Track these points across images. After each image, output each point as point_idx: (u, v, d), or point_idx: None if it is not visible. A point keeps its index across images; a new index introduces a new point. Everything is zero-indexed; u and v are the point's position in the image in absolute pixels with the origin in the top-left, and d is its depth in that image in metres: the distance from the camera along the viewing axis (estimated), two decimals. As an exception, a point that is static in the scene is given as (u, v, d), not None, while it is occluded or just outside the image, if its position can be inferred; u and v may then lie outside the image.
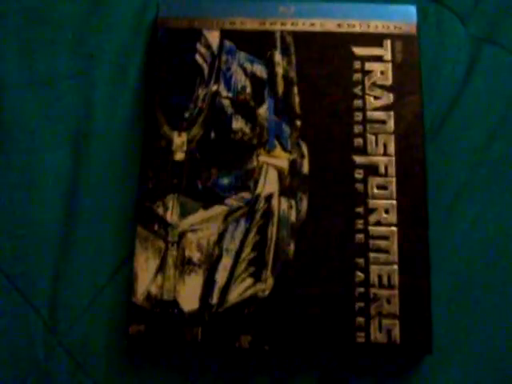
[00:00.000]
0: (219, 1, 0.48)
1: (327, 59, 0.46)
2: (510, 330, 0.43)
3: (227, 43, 0.46)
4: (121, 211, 0.46)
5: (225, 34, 0.47)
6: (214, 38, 0.47)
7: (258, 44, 0.46)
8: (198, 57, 0.46)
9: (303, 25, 0.47)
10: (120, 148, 0.47)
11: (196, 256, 0.42)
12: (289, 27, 0.47)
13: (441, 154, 0.47)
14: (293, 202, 0.43)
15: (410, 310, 0.42)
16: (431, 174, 0.45)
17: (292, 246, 0.43)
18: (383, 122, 0.45)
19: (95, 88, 0.48)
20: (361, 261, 0.42)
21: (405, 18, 0.47)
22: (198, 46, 0.46)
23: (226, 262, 0.42)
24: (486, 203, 0.46)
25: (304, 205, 0.43)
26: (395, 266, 0.42)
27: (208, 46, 0.46)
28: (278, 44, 0.46)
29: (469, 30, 0.50)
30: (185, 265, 0.42)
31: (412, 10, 0.47)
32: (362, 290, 0.42)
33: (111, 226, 0.45)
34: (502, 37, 0.49)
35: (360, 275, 0.42)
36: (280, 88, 0.46)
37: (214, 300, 0.42)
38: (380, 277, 0.42)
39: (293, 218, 0.43)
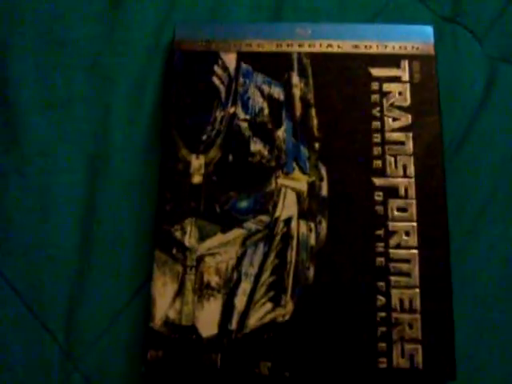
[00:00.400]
0: (236, 23, 0.48)
1: (345, 81, 0.46)
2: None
3: (244, 65, 0.46)
4: (138, 235, 0.45)
5: (242, 56, 0.46)
6: (230, 60, 0.46)
7: (275, 66, 0.46)
8: (215, 79, 0.46)
9: (320, 46, 0.47)
10: (137, 171, 0.47)
11: (214, 280, 0.42)
12: (306, 49, 0.47)
13: (460, 175, 0.46)
14: (312, 225, 0.43)
15: (433, 335, 0.41)
16: (451, 195, 0.44)
17: (312, 270, 0.42)
18: (402, 143, 0.45)
19: (112, 111, 0.48)
20: (382, 284, 0.42)
21: (422, 38, 0.47)
22: (216, 68, 0.46)
23: (245, 287, 0.42)
24: (508, 223, 0.45)
25: (323, 228, 0.43)
26: (417, 290, 0.42)
27: (225, 68, 0.46)
28: (295, 66, 0.46)
29: (485, 50, 0.49)
30: (203, 289, 0.42)
31: (429, 30, 0.47)
32: (383, 314, 0.41)
33: (128, 249, 0.45)
34: None
35: (381, 299, 0.42)
36: (298, 110, 0.45)
37: (233, 325, 0.41)
38: (401, 301, 0.42)
39: (312, 241, 0.43)
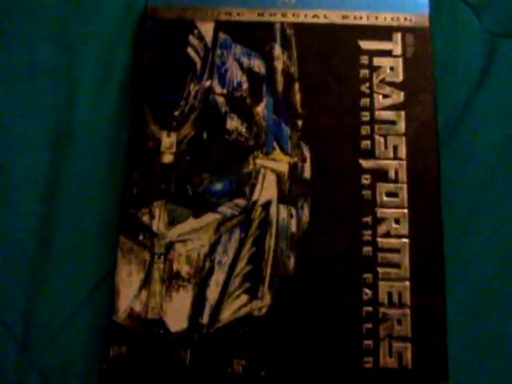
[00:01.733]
0: (213, -11, 0.44)
1: (331, 54, 0.42)
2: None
3: (222, 36, 0.43)
4: (103, 219, 0.42)
5: (220, 26, 0.43)
6: (207, 29, 0.43)
7: (256, 37, 0.43)
8: (189, 50, 0.42)
9: (305, 16, 0.43)
10: (103, 150, 0.43)
11: (185, 270, 0.38)
12: (290, 19, 0.43)
13: (455, 158, 0.43)
14: (293, 211, 0.39)
15: (424, 332, 0.38)
16: (445, 179, 0.41)
17: (292, 260, 0.39)
18: (393, 122, 0.41)
19: (77, 84, 0.44)
20: (368, 276, 0.38)
21: (416, 9, 0.43)
22: (191, 38, 0.42)
23: (219, 277, 0.38)
24: (505, 211, 0.42)
25: (305, 213, 0.39)
26: (407, 283, 0.38)
27: (201, 39, 0.43)
28: (278, 37, 0.43)
29: (484, 25, 0.46)
30: (172, 279, 0.38)
31: (424, 0, 0.44)
32: (369, 309, 0.38)
33: (92, 235, 0.42)
34: None
35: (367, 292, 0.38)
36: (280, 85, 0.42)
37: (205, 319, 0.38)
38: (390, 294, 0.38)
39: (293, 227, 0.39)
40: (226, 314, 0.38)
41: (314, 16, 0.43)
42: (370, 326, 0.38)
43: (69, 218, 0.42)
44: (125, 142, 0.42)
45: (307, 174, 0.40)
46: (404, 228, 0.39)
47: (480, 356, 0.40)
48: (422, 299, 0.38)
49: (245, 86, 0.42)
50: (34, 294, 0.41)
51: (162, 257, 0.39)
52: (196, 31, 0.43)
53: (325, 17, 0.43)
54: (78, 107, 0.44)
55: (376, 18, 0.43)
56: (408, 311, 0.38)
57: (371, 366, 0.37)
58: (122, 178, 0.41)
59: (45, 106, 0.44)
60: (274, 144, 0.41)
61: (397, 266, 0.39)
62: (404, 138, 0.41)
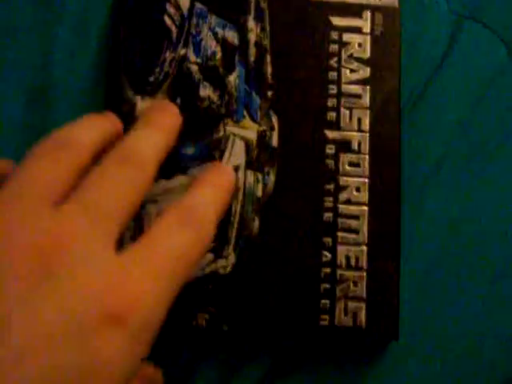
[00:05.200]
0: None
1: (303, 28, 0.44)
2: (479, 314, 0.42)
3: (198, 5, 0.44)
4: None
5: (196, -4, 0.44)
6: (184, -1, 0.44)
7: (231, 8, 0.44)
8: (166, 18, 0.43)
9: (280, -10, 0.44)
10: (80, 106, 0.44)
11: (155, 229, 0.40)
12: (264, -8, 0.44)
13: (416, 132, 0.45)
14: (260, 176, 0.41)
15: (378, 294, 0.40)
16: (404, 153, 0.43)
17: (257, 223, 0.40)
18: (359, 96, 0.43)
19: (55, 41, 0.45)
20: (328, 240, 0.40)
21: (386, -10, 0.45)
22: (168, 6, 0.43)
23: (186, 236, 0.40)
24: (460, 183, 0.44)
25: (271, 179, 0.41)
26: (364, 247, 0.41)
27: (178, 7, 0.44)
28: (252, 9, 0.44)
29: (451, 6, 0.48)
30: (142, 237, 0.40)
31: (394, -19, 0.45)
32: (328, 270, 0.40)
33: None
34: (483, 14, 0.47)
35: (327, 255, 0.40)
36: (252, 56, 0.43)
37: (172, 275, 0.39)
38: (348, 258, 0.40)
39: (259, 192, 0.41)
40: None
41: (288, -9, 0.44)
42: (327, 286, 0.40)
43: None
44: (102, 100, 0.43)
45: (274, 142, 0.42)
46: (364, 196, 0.41)
47: (429, 319, 0.42)
48: (378, 264, 0.40)
49: (218, 55, 0.43)
50: None
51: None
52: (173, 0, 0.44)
53: (298, -8, 0.44)
54: (54, 64, 0.45)
55: (347, -5, 0.45)
56: (364, 274, 0.40)
57: (327, 324, 0.39)
58: (98, 139, 0.42)
59: (22, 62, 0.45)
60: (244, 112, 0.42)
61: (355, 231, 0.41)
62: (368, 112, 0.43)
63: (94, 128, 0.30)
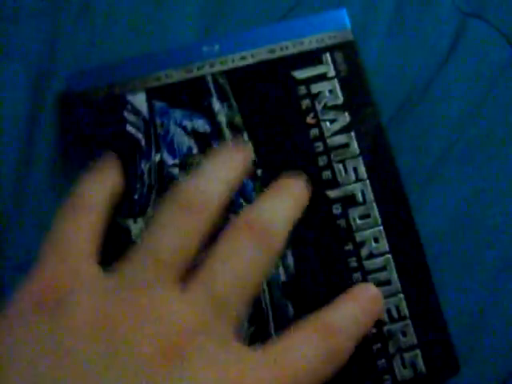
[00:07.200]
0: (136, 58, 0.42)
1: (269, 92, 0.42)
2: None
3: (157, 103, 0.41)
4: None
5: (152, 94, 0.41)
6: (140, 100, 0.41)
7: (191, 95, 0.42)
8: (129, 127, 0.41)
9: (233, 61, 0.42)
10: None
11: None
12: (219, 67, 0.42)
13: (418, 129, 0.45)
14: (278, 261, 0.40)
15: (427, 334, 0.39)
16: (406, 149, 0.43)
17: (290, 308, 0.39)
18: (346, 145, 0.42)
19: (60, 29, 0.44)
20: (365, 301, 0.39)
21: (336, 25, 0.43)
22: (126, 114, 0.41)
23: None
24: (460, 183, 0.44)
25: (290, 260, 0.40)
26: (401, 295, 0.40)
27: (137, 112, 0.41)
28: (213, 89, 0.42)
29: (456, 3, 0.47)
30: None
31: (342, 13, 0.43)
32: (374, 330, 0.39)
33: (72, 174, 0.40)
34: (488, 12, 0.47)
35: (368, 316, 0.39)
36: (228, 139, 0.41)
37: None
38: (389, 311, 0.40)
39: (282, 277, 0.39)
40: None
41: (242, 58, 0.42)
42: (379, 346, 0.39)
43: (47, 160, 0.42)
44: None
45: (281, 221, 0.40)
46: (384, 245, 0.40)
47: (484, 341, 0.42)
48: (418, 307, 0.40)
49: (195, 150, 0.41)
50: None
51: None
52: (129, 106, 0.41)
53: (252, 56, 0.42)
54: (59, 51, 0.44)
55: (301, 43, 0.43)
56: (409, 322, 0.40)
57: (391, 382, 0.39)
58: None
59: (28, 49, 0.44)
60: (241, 200, 0.40)
61: (387, 282, 0.40)
62: (360, 158, 0.41)
63: (222, 183, 0.29)
